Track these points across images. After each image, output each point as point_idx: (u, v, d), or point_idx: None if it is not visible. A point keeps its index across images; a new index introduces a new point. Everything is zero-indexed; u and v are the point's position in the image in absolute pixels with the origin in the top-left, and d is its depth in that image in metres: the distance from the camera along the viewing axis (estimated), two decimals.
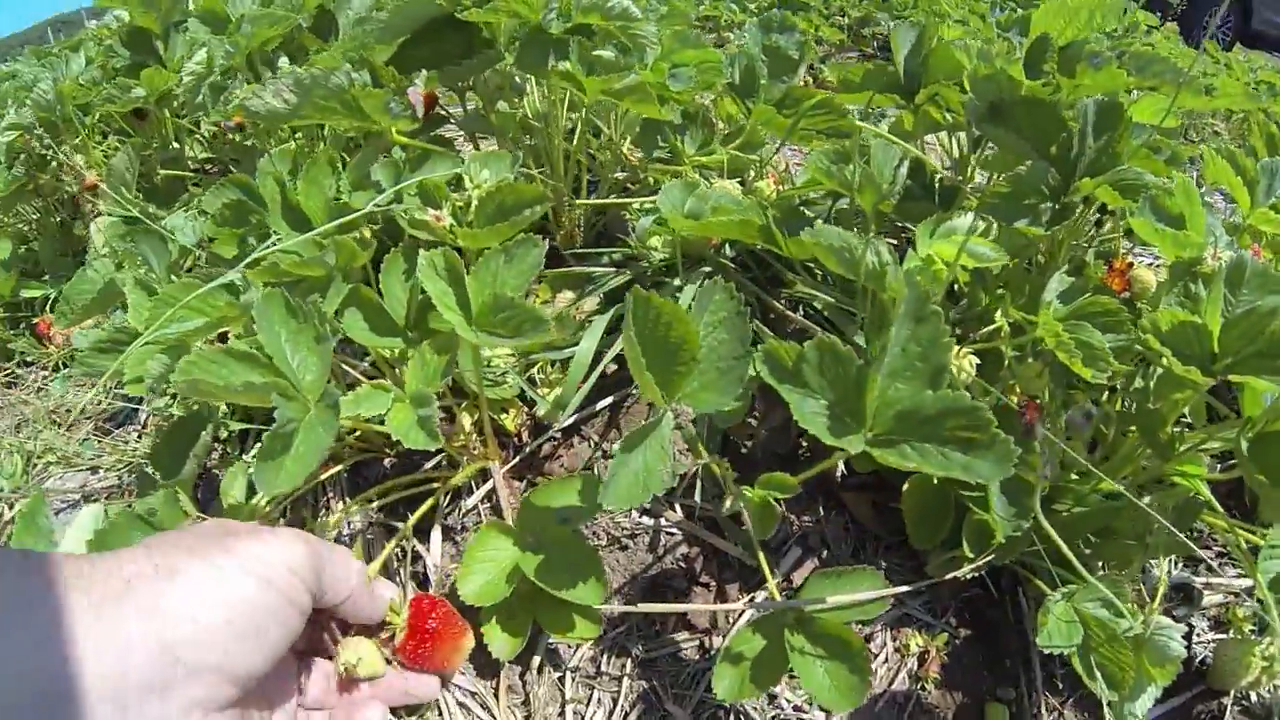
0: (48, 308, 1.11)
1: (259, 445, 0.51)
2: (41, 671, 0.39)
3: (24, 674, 0.39)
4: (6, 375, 1.08)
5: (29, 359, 1.07)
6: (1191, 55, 1.03)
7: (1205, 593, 0.89)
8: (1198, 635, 0.85)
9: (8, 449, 0.94)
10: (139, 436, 0.91)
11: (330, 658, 0.58)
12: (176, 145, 1.14)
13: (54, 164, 1.05)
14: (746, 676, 0.59)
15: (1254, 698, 0.82)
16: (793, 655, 0.58)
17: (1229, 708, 0.80)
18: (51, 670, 0.39)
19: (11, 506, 0.93)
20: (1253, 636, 0.82)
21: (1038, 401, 0.65)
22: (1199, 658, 0.83)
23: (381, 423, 0.55)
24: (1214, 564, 0.91)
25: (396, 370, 0.73)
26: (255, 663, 0.47)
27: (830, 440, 0.50)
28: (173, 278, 0.80)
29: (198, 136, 1.13)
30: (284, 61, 0.96)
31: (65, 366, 1.05)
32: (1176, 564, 0.89)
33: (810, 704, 0.68)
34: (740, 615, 0.67)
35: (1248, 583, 0.88)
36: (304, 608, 0.50)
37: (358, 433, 0.76)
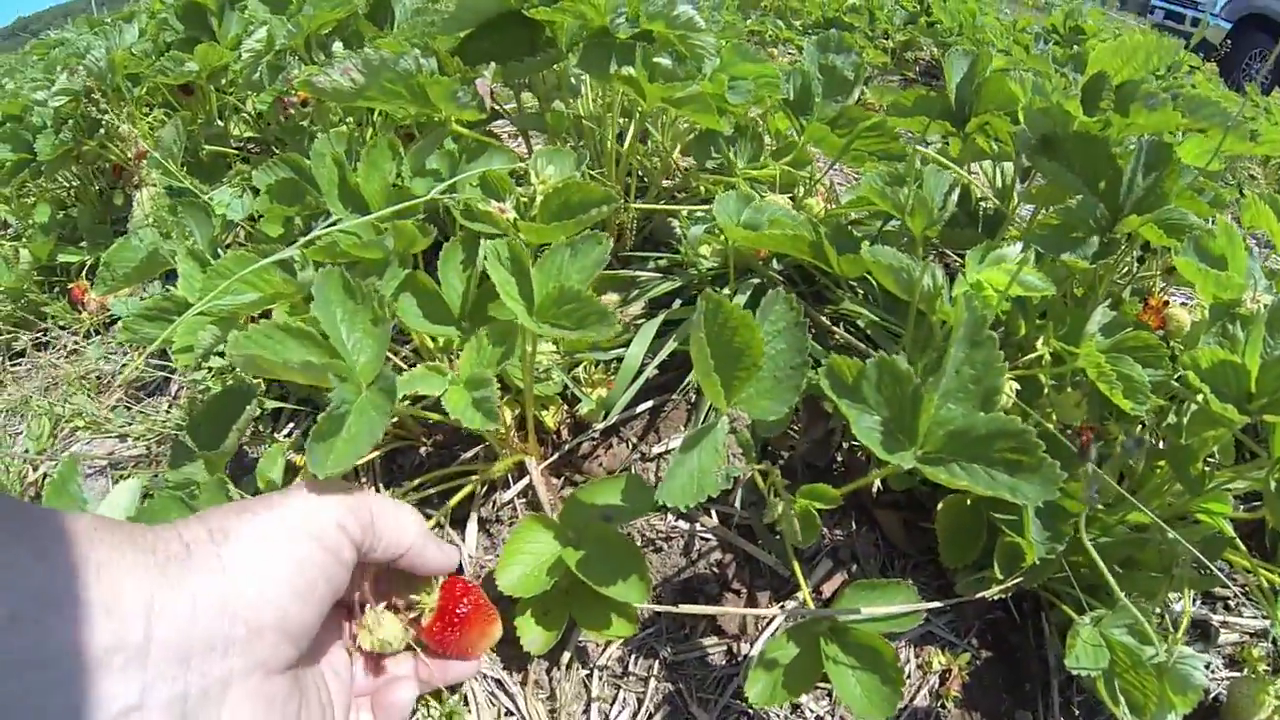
0: (83, 273, 1.12)
1: (313, 424, 0.51)
2: (110, 628, 0.40)
3: (94, 631, 0.39)
4: (38, 337, 1.09)
5: (61, 323, 1.08)
6: (1236, 99, 1.05)
7: (1222, 631, 0.90)
8: (1213, 672, 0.86)
9: (36, 410, 0.94)
10: (169, 407, 0.92)
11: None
12: (220, 123, 1.15)
13: (102, 131, 1.06)
14: (779, 682, 0.60)
15: None
16: (827, 664, 0.58)
17: None
18: (121, 627, 0.40)
19: (36, 469, 0.94)
20: (1267, 676, 0.83)
21: (1093, 426, 0.66)
22: (1213, 694, 0.84)
23: (424, 408, 0.55)
24: (1232, 604, 0.92)
25: (438, 359, 0.74)
26: (309, 620, 0.48)
27: (883, 455, 0.51)
28: (217, 251, 0.81)
29: (243, 115, 1.15)
30: (338, 46, 0.98)
31: (98, 333, 1.06)
32: (1195, 601, 0.90)
33: (833, 715, 0.69)
34: (770, 623, 0.68)
35: (1264, 624, 0.89)
36: (348, 562, 0.50)
37: (395, 419, 0.77)
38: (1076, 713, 0.77)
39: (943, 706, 0.72)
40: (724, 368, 0.51)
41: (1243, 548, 0.80)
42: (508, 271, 0.56)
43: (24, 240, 1.15)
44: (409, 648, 0.58)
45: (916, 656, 0.73)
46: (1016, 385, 0.68)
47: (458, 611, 0.58)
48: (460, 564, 0.61)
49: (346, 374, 0.51)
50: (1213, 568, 0.70)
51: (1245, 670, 0.85)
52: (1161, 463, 0.80)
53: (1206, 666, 0.85)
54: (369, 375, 0.52)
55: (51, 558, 0.39)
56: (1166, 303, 0.91)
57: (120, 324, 0.74)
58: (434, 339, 0.71)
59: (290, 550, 0.47)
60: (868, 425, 0.52)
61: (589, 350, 0.72)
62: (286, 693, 0.48)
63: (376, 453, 0.74)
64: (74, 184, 1.26)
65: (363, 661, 0.58)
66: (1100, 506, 0.78)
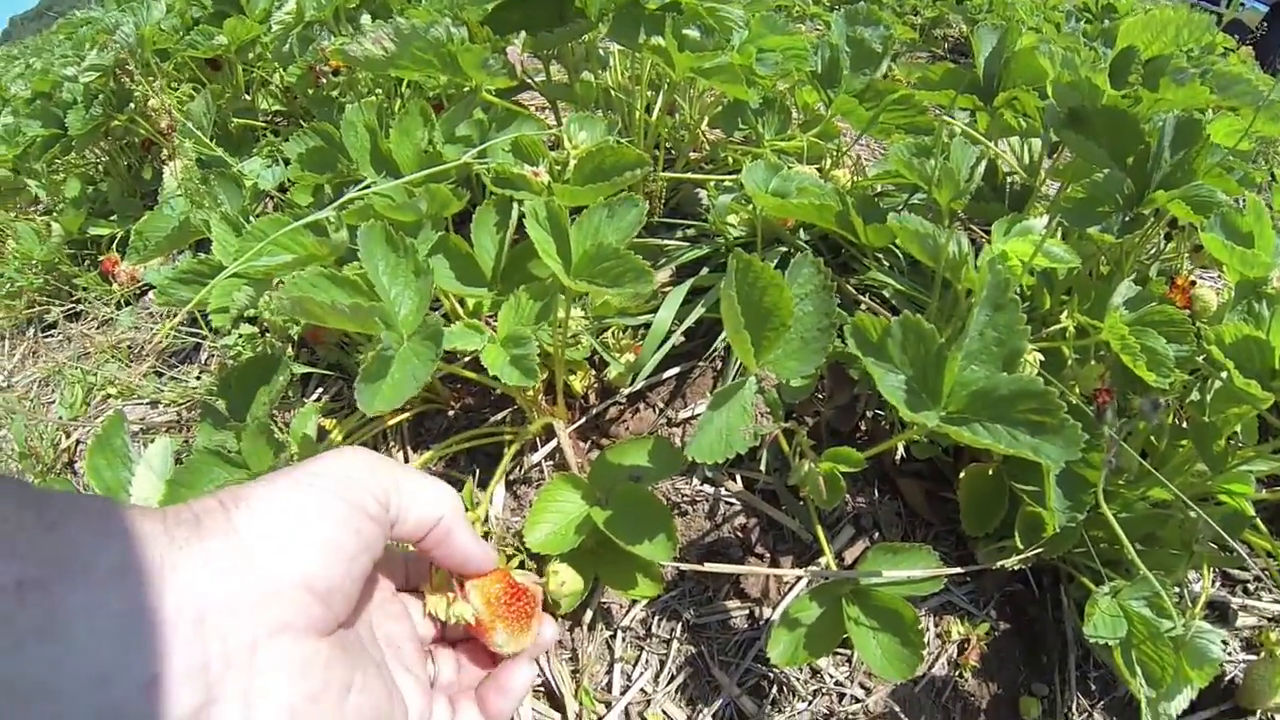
0: (114, 246, 1.16)
1: (341, 388, 0.54)
2: (123, 596, 0.38)
3: (104, 599, 0.38)
4: (69, 309, 1.13)
5: (93, 295, 1.11)
6: (1270, 81, 1.05)
7: (1240, 614, 0.91)
8: (1229, 655, 0.87)
9: (69, 379, 0.98)
10: (199, 374, 0.96)
11: None
12: (247, 97, 1.18)
13: (131, 106, 1.09)
14: (801, 643, 0.62)
15: None
16: (849, 625, 0.61)
17: None
18: (132, 594, 0.39)
19: (69, 434, 0.97)
20: None
21: (1110, 389, 0.68)
22: (1229, 676, 0.86)
23: (462, 367, 0.58)
24: (1251, 588, 0.94)
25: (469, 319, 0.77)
26: (338, 577, 0.45)
27: (908, 413, 0.53)
28: (249, 219, 0.84)
29: (270, 89, 1.18)
30: (366, 18, 1.00)
31: (128, 304, 1.10)
32: (1215, 584, 0.91)
33: (851, 679, 0.71)
34: (792, 586, 0.71)
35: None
36: (376, 516, 0.48)
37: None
38: (1093, 687, 0.79)
39: (961, 675, 0.75)
40: (753, 326, 0.53)
41: (1264, 529, 0.82)
42: (546, 231, 0.58)
43: (55, 215, 1.19)
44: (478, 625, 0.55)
45: (936, 626, 0.76)
46: (1040, 357, 0.70)
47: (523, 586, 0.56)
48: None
49: (390, 321, 0.54)
50: (1235, 544, 0.72)
51: (1262, 653, 0.87)
52: (1184, 442, 0.82)
53: (1224, 646, 0.86)
54: (411, 325, 0.54)
55: (60, 529, 0.38)
56: (1193, 283, 0.92)
57: (155, 289, 0.77)
58: (463, 302, 0.73)
59: (306, 504, 0.46)
60: (893, 384, 0.54)
61: (617, 316, 0.75)
62: (327, 659, 0.46)
63: (406, 415, 0.77)
64: (103, 159, 1.30)
65: (446, 656, 0.58)
66: (1121, 482, 0.80)
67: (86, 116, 1.09)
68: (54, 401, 1.01)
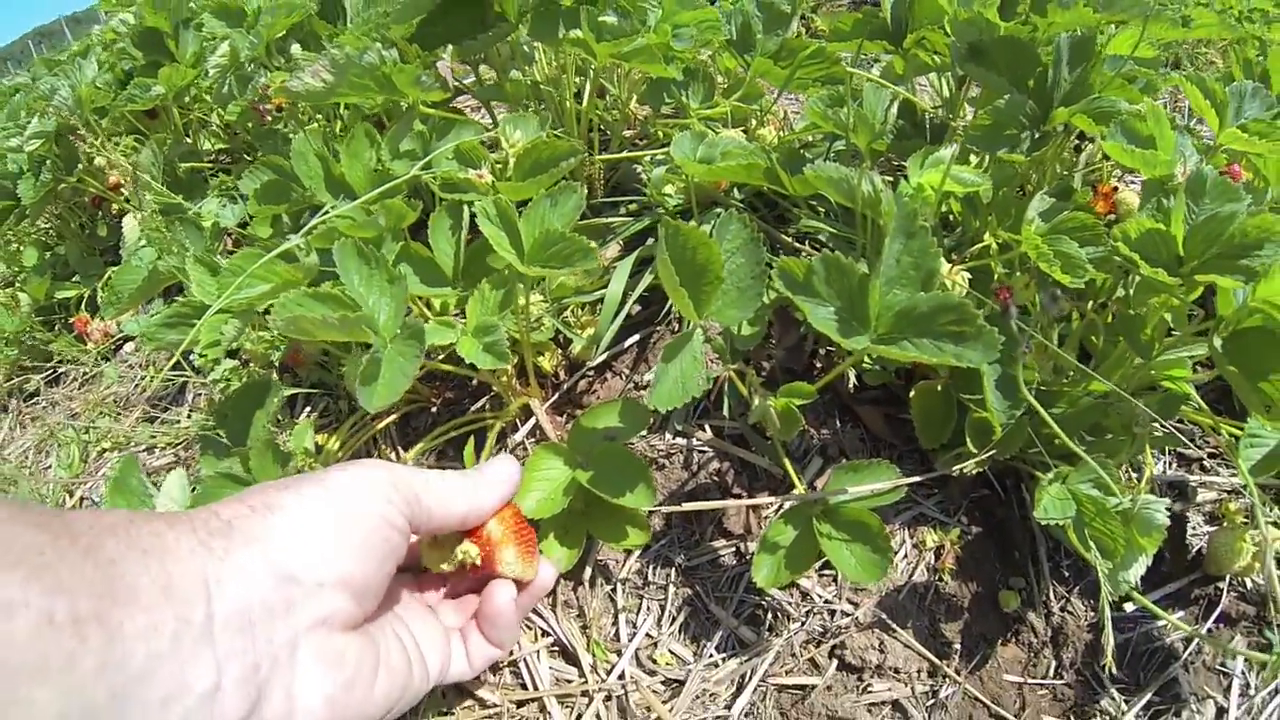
0: (82, 306, 1.23)
1: (329, 403, 0.61)
2: (173, 612, 0.40)
3: (159, 618, 0.40)
4: (48, 374, 1.20)
5: (68, 358, 1.18)
6: None
7: (1200, 490, 1.01)
8: (1194, 529, 0.97)
9: (62, 440, 1.05)
10: (189, 414, 1.03)
11: None
12: (189, 140, 1.25)
13: (80, 166, 1.16)
14: (782, 564, 0.71)
15: (1248, 584, 0.94)
16: (822, 540, 0.70)
17: (1225, 592, 0.92)
18: (182, 609, 0.41)
19: (72, 494, 1.05)
20: (1245, 526, 0.94)
21: (1009, 286, 0.76)
22: (1196, 549, 0.96)
23: (439, 361, 0.66)
24: (1207, 465, 1.04)
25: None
26: (369, 574, 0.51)
27: (841, 340, 0.62)
28: (219, 257, 0.91)
29: (212, 129, 1.24)
30: (295, 48, 1.08)
31: (106, 359, 1.17)
32: (1172, 465, 1.01)
33: (839, 597, 0.80)
34: (769, 517, 0.80)
35: (1238, 482, 1.01)
36: (401, 527, 0.54)
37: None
38: (1066, 574, 0.88)
39: (940, 579, 0.84)
40: (689, 284, 0.62)
41: (1205, 408, 0.92)
42: (498, 226, 0.67)
43: (18, 285, 1.25)
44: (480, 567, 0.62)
45: (911, 537, 0.85)
46: (968, 275, 0.79)
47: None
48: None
49: (374, 328, 0.62)
50: (1169, 427, 0.81)
51: (1224, 523, 0.96)
52: (1120, 339, 0.91)
53: (1186, 525, 0.96)
54: (392, 330, 0.63)
55: (96, 552, 0.39)
56: (1116, 188, 1.02)
57: (140, 337, 0.85)
58: (429, 303, 0.81)
59: (336, 511, 0.50)
60: (824, 316, 0.63)
61: (574, 294, 0.83)
62: (359, 650, 0.51)
63: (393, 417, 0.85)
64: (54, 223, 1.36)
65: (451, 603, 0.65)
66: (1065, 381, 0.89)
67: (38, 184, 1.15)
68: (50, 466, 1.08)
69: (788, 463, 0.75)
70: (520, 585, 0.65)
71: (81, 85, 1.12)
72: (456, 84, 0.95)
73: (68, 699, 0.35)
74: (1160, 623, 0.86)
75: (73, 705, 0.35)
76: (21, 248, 1.30)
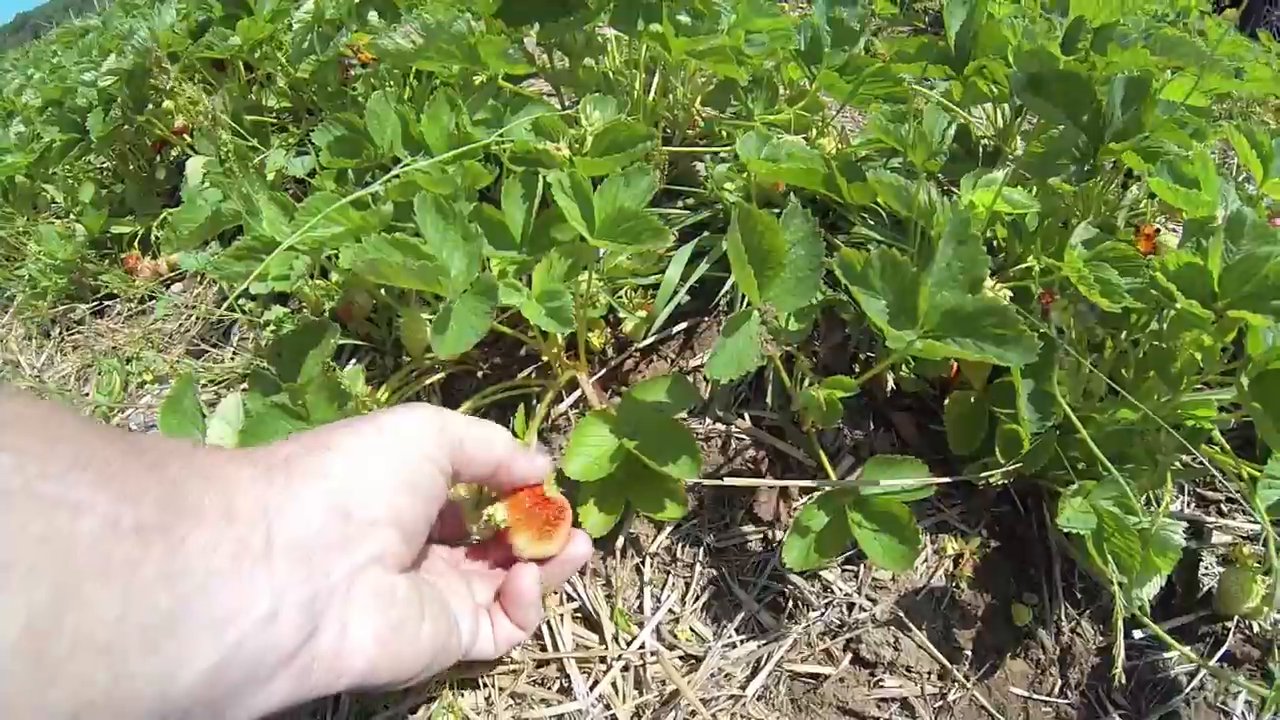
0: (135, 243, 1.29)
1: (375, 358, 0.65)
2: (233, 535, 0.42)
3: (220, 539, 0.41)
4: (94, 306, 1.26)
5: (115, 291, 1.24)
6: (1244, 43, 1.22)
7: (1215, 532, 1.07)
8: (1205, 569, 1.02)
9: (105, 369, 1.11)
10: (234, 355, 1.09)
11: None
12: (252, 97, 1.32)
13: (150, 107, 1.23)
14: (812, 547, 0.76)
15: (1255, 628, 0.99)
16: (853, 527, 0.75)
17: (1232, 632, 0.97)
18: (244, 533, 0.43)
19: (110, 420, 1.10)
20: (1257, 567, 0.99)
21: (1052, 289, 0.82)
22: (1206, 588, 1.01)
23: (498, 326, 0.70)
24: (1224, 509, 1.09)
25: None
26: (418, 514, 0.54)
27: (891, 332, 0.68)
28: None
29: (278, 88, 1.32)
30: (372, 15, 1.15)
31: (154, 298, 1.23)
32: (1189, 504, 1.07)
33: (859, 592, 0.86)
34: (801, 507, 0.85)
35: (1255, 528, 1.06)
36: (445, 469, 0.57)
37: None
38: (1078, 596, 0.93)
39: (957, 586, 0.89)
40: (755, 264, 0.68)
41: (1227, 446, 0.97)
42: (571, 198, 0.73)
43: (75, 217, 1.32)
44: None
45: (933, 542, 0.90)
46: (1010, 293, 0.85)
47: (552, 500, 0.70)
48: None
49: (447, 279, 0.68)
50: (1195, 452, 0.87)
51: (1237, 564, 1.01)
52: (1150, 374, 0.97)
53: (1198, 564, 1.01)
54: (464, 283, 0.68)
55: (161, 470, 0.41)
56: (1158, 230, 1.08)
57: (208, 267, 0.91)
58: (488, 264, 0.87)
59: (389, 451, 0.53)
60: (877, 308, 0.69)
61: (629, 277, 0.89)
62: (406, 591, 0.53)
63: (439, 376, 0.91)
64: (114, 163, 1.43)
65: (483, 579, 0.69)
66: (1094, 407, 0.95)
67: (106, 119, 1.22)
68: (89, 393, 1.14)
69: (824, 457, 0.81)
70: (543, 561, 0.69)
71: (160, 29, 1.19)
72: (532, 68, 1.02)
73: (127, 603, 0.36)
74: (1166, 655, 0.91)
75: (131, 609, 0.36)
76: (80, 183, 1.36)
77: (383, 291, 0.95)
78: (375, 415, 0.57)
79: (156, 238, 1.25)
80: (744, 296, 0.74)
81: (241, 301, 1.02)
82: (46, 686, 0.33)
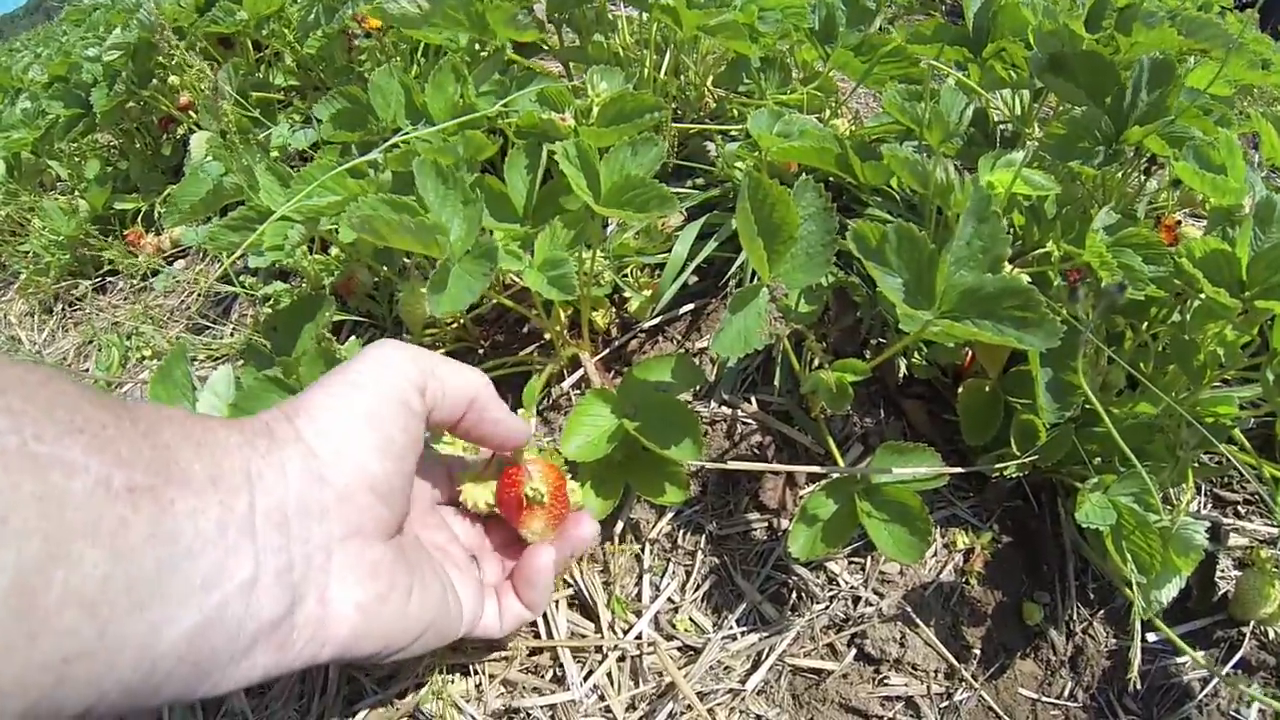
0: (138, 220, 1.26)
1: (373, 334, 0.63)
2: (219, 499, 0.42)
3: (206, 503, 0.41)
4: (96, 282, 1.23)
5: (117, 267, 1.22)
6: (1266, 40, 1.17)
7: (1233, 535, 1.02)
8: (1222, 572, 0.97)
9: (105, 343, 1.08)
10: (232, 332, 1.06)
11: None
12: (258, 74, 1.29)
13: (154, 83, 1.20)
14: (819, 536, 0.72)
15: (1271, 634, 0.95)
16: (862, 517, 0.71)
17: (1247, 637, 0.92)
18: (228, 498, 0.43)
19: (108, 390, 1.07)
20: (1275, 571, 0.94)
21: (1079, 269, 0.78)
22: (1222, 591, 0.96)
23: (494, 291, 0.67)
24: (1241, 511, 1.04)
25: None
26: (394, 475, 0.52)
27: (907, 310, 0.64)
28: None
29: (285, 65, 1.29)
30: None
31: (155, 274, 1.20)
32: (1206, 505, 1.02)
33: (865, 585, 0.81)
34: (807, 495, 0.81)
35: (1273, 531, 1.01)
36: (416, 408, 0.55)
37: (455, 324, 0.90)
38: (1091, 597, 0.89)
39: (967, 582, 0.85)
40: (765, 237, 0.64)
41: (1248, 445, 0.93)
42: (576, 167, 0.69)
43: (79, 193, 1.29)
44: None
45: (943, 536, 0.86)
46: (1028, 279, 0.81)
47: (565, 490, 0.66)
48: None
49: (445, 240, 0.64)
50: (1220, 447, 0.82)
51: (1254, 567, 0.97)
52: (1170, 368, 0.92)
53: (1216, 563, 0.97)
54: (463, 246, 0.65)
55: (154, 435, 0.41)
56: (1179, 221, 1.04)
57: (205, 238, 0.87)
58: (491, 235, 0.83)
59: (357, 405, 0.51)
60: (892, 285, 0.65)
61: (635, 254, 0.85)
62: (392, 561, 0.52)
63: (439, 352, 0.87)
64: (119, 140, 1.41)
65: (491, 558, 0.67)
66: (1113, 400, 0.91)
67: (110, 94, 1.19)
68: (88, 369, 1.11)
69: (832, 444, 0.76)
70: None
71: (166, 3, 1.16)
72: (542, 40, 0.98)
73: (115, 561, 0.36)
74: (1178, 660, 0.86)
75: (119, 568, 0.37)
76: (85, 159, 1.34)
77: (384, 268, 0.92)
78: (347, 367, 0.55)
79: (160, 214, 1.22)
80: (753, 273, 0.70)
81: (242, 278, 0.99)
82: (34, 637, 0.34)
